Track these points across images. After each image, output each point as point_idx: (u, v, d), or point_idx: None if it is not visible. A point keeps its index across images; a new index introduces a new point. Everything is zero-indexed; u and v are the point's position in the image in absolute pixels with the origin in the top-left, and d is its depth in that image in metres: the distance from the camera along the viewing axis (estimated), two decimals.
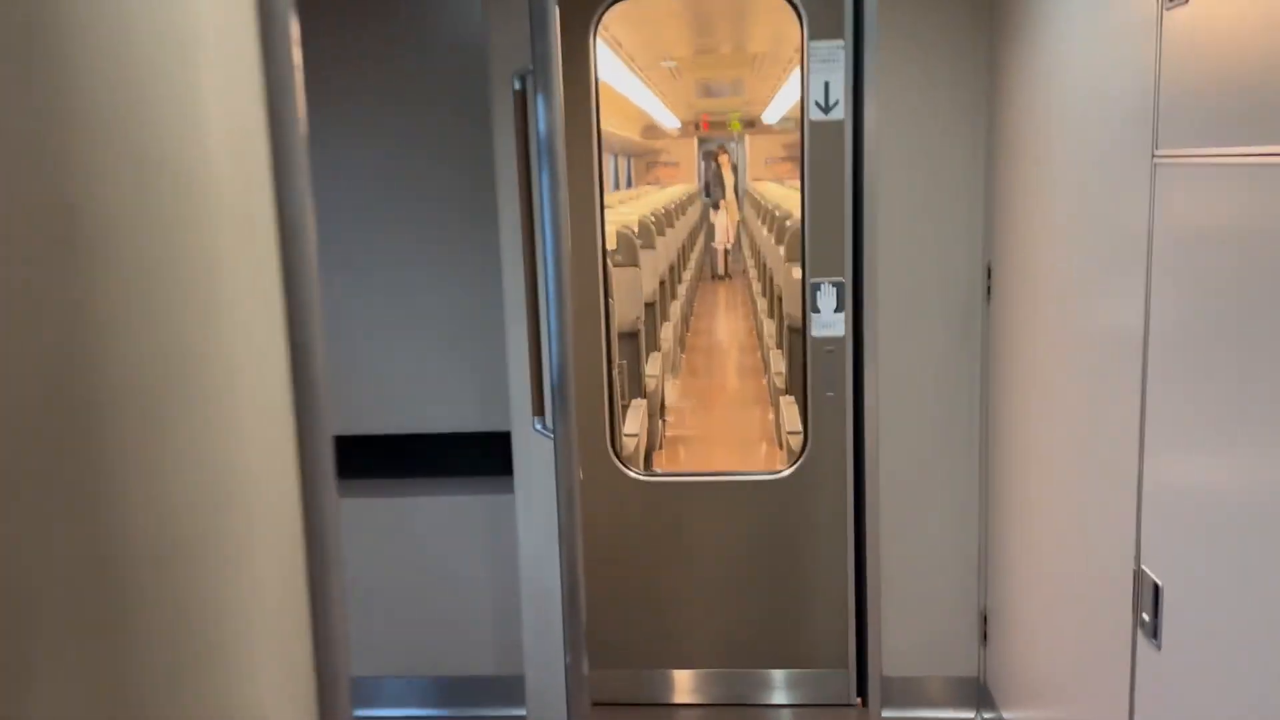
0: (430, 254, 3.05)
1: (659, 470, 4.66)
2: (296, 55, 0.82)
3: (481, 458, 3.05)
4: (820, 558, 3.07)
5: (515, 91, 2.27)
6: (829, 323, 2.96)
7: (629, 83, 9.50)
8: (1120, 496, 1.86)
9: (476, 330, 3.02)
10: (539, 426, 2.40)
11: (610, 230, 5.32)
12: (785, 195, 10.51)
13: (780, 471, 3.09)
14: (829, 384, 2.98)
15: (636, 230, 5.92)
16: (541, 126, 2.00)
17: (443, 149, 2.98)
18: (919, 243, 2.87)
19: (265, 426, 0.80)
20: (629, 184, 16.67)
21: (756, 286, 9.05)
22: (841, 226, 2.90)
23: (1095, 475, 2.03)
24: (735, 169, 17.79)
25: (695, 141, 17.62)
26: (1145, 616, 1.75)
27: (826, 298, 2.95)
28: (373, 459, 3.14)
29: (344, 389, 3.12)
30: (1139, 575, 1.78)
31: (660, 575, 3.14)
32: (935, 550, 3.01)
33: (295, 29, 0.82)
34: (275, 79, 0.81)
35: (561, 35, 2.07)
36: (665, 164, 17.85)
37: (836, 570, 3.06)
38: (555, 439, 2.15)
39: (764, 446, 5.84)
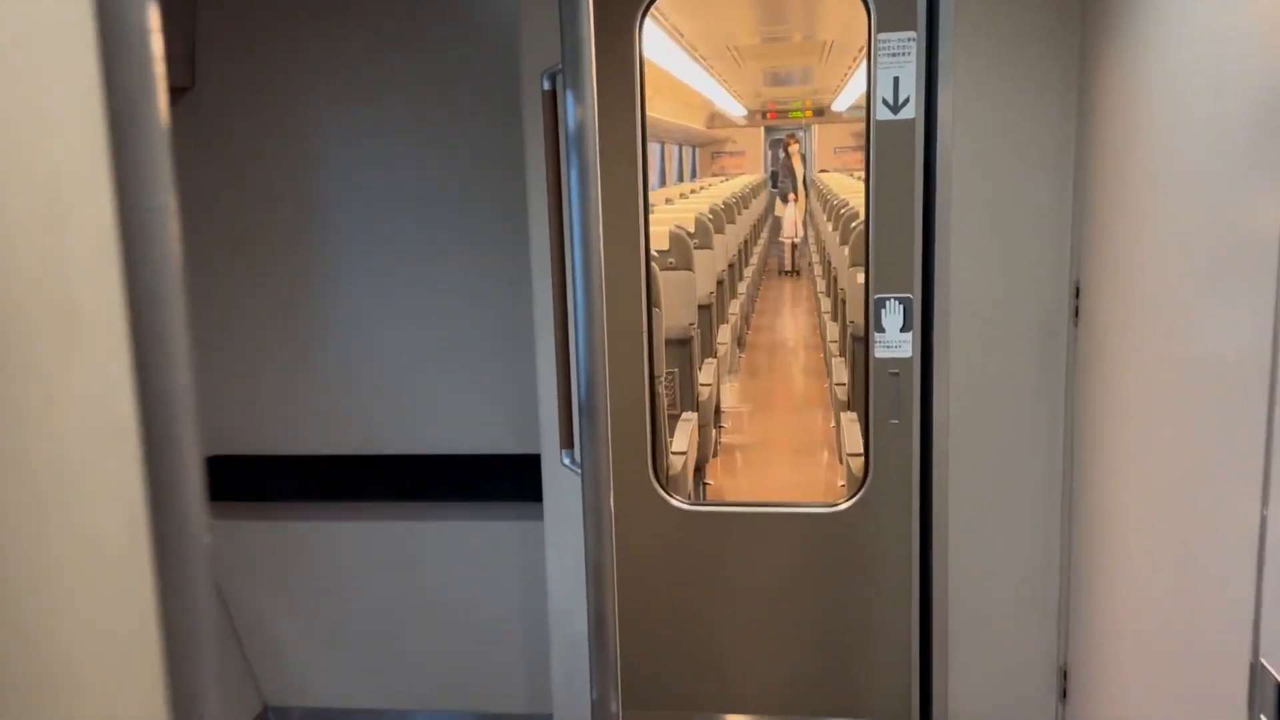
0: (460, 263, 2.87)
1: (707, 497, 4.44)
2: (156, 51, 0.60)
3: (513, 482, 2.86)
4: (882, 599, 2.81)
5: (545, 91, 2.05)
6: (894, 343, 2.69)
7: (692, 71, 9.24)
8: (1235, 563, 1.57)
9: (509, 346, 2.83)
10: (567, 461, 2.18)
11: (665, 230, 5.10)
12: (851, 187, 10.15)
13: (838, 504, 2.83)
14: (893, 410, 2.71)
15: (692, 229, 5.66)
16: (571, 123, 1.80)
17: (477, 152, 2.80)
18: (997, 258, 2.59)
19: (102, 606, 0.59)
20: (693, 175, 16.40)
21: (820, 285, 8.74)
22: (910, 237, 2.63)
23: (1204, 533, 1.74)
24: (805, 159, 17.39)
25: (762, 130, 17.28)
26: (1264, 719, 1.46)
27: (892, 316, 2.68)
28: (398, 480, 2.98)
29: (368, 406, 2.96)
30: (1258, 670, 1.50)
31: (706, 611, 2.91)
32: (1010, 596, 2.73)
33: (153, 16, 0.60)
34: (121, 90, 0.59)
35: (602, 28, 1.85)
36: (731, 153, 17.54)
37: (899, 613, 2.80)
38: (583, 473, 1.94)
39: (824, 454, 5.57)
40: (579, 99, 1.80)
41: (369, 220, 2.88)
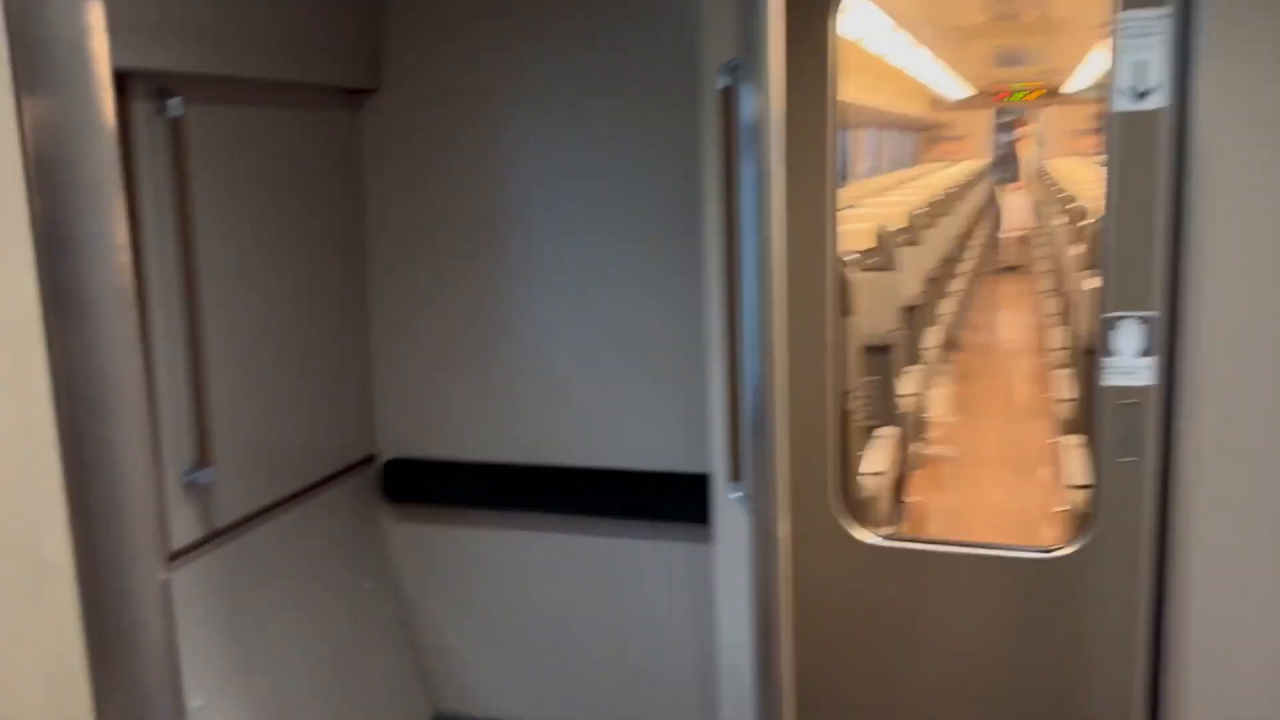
0: (639, 271, 2.74)
1: (907, 517, 4.12)
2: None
3: (685, 502, 2.69)
4: (1100, 666, 2.45)
5: (720, 89, 1.86)
6: (1130, 369, 2.32)
7: (911, 54, 8.75)
8: None
9: (684, 359, 2.66)
10: (733, 495, 1.98)
11: (869, 226, 4.77)
12: (1086, 176, 9.31)
13: (1055, 549, 2.49)
14: (1126, 446, 2.35)
15: (897, 227, 5.29)
16: (749, 118, 1.63)
17: (660, 154, 2.66)
18: (1256, 273, 2.17)
19: None
20: (911, 163, 15.68)
21: (1045, 283, 8.07)
22: (1153, 246, 2.26)
23: None
24: (1040, 142, 16.22)
25: (988, 114, 16.33)
26: None
27: (1128, 337, 2.31)
28: (568, 493, 2.89)
29: (541, 415, 2.89)
30: None
31: (891, 659, 2.64)
32: (1257, 669, 2.31)
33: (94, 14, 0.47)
34: None
35: (793, 16, 1.67)
36: (950, 139, 16.65)
37: (1119, 684, 2.43)
38: (753, 499, 1.76)
39: (1042, 473, 5.08)
40: (759, 91, 1.62)
41: (550, 224, 2.80)
